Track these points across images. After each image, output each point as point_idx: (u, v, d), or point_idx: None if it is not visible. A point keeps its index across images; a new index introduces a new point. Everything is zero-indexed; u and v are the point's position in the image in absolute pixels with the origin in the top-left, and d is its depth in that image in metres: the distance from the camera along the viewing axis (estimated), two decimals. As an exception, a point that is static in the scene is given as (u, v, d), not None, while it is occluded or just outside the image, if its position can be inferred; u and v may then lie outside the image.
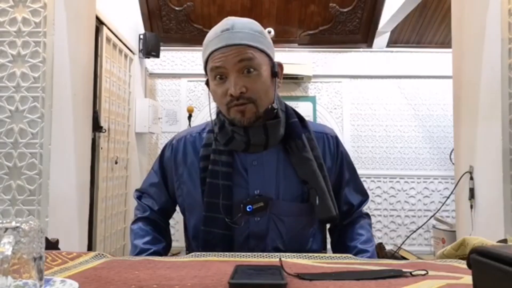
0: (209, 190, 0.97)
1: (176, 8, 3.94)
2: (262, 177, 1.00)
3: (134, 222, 1.12)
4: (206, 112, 4.21)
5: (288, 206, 0.99)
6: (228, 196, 0.97)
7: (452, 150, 3.03)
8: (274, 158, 1.01)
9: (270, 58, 0.98)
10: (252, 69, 0.93)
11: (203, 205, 0.98)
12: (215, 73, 0.94)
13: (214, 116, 1.05)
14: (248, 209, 0.96)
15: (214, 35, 0.95)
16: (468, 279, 0.61)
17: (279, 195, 0.99)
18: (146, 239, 1.06)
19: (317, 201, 0.96)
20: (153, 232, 1.09)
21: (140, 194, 1.16)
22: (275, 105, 0.97)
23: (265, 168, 1.00)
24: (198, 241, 1.02)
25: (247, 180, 0.99)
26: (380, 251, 3.22)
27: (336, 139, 1.11)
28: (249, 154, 1.00)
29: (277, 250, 0.98)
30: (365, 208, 1.16)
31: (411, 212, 4.13)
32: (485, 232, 1.77)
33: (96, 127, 2.75)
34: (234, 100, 0.92)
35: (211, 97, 1.01)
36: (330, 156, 1.07)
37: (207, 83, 1.02)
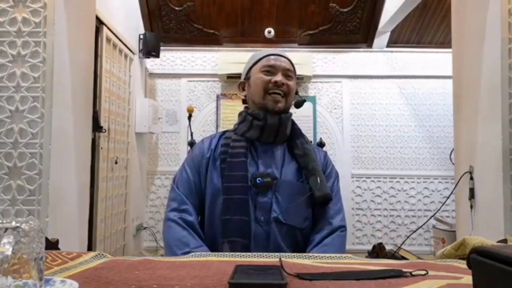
0: (229, 166, 1.18)
1: (176, 8, 3.94)
2: (270, 162, 1.22)
3: (170, 220, 1.20)
4: (206, 112, 4.21)
5: (289, 185, 1.20)
6: (243, 169, 1.18)
7: (452, 150, 3.03)
8: (281, 151, 1.25)
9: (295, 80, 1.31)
10: (290, 77, 1.26)
11: (223, 178, 1.18)
12: (267, 68, 1.24)
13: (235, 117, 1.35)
14: (258, 181, 1.16)
15: (268, 50, 1.31)
16: (468, 279, 0.61)
17: (282, 176, 1.20)
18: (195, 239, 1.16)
19: (318, 181, 1.16)
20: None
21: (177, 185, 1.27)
22: (298, 97, 1.35)
23: (273, 156, 1.24)
24: (216, 212, 1.18)
25: (257, 163, 1.22)
26: (380, 251, 3.22)
27: (325, 154, 1.33)
28: (261, 144, 1.24)
29: (278, 221, 1.15)
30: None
31: (411, 212, 4.13)
32: (485, 232, 1.76)
33: (96, 127, 2.75)
34: (275, 87, 1.21)
35: (251, 89, 1.27)
36: (320, 164, 1.25)
37: (240, 83, 1.33)
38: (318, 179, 1.17)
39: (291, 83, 1.25)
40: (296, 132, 1.28)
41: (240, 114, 1.31)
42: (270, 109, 1.21)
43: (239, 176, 1.16)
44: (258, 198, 1.17)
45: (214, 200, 1.19)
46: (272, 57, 1.26)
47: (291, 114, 1.28)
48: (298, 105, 1.35)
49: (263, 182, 1.16)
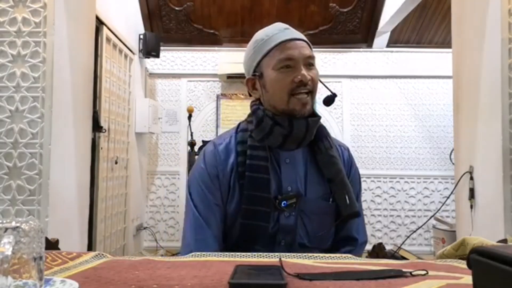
0: (249, 183, 0.99)
1: (176, 8, 3.94)
2: (293, 175, 1.03)
3: None
4: (206, 112, 4.21)
5: (315, 204, 1.03)
6: (267, 189, 0.98)
7: (452, 150, 3.03)
8: (303, 158, 1.05)
9: None
10: (312, 65, 1.02)
11: (243, 198, 0.99)
12: (285, 63, 0.98)
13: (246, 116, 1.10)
14: (283, 205, 0.98)
15: (277, 31, 1.02)
16: (468, 279, 0.61)
17: (307, 193, 1.03)
18: None
19: (347, 199, 0.99)
20: None
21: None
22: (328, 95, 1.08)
23: (296, 166, 1.04)
24: (234, 233, 1.02)
25: (280, 176, 1.02)
26: (380, 251, 3.22)
27: (348, 151, 1.17)
28: (282, 152, 1.04)
29: (303, 246, 1.02)
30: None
31: (411, 212, 4.13)
32: (485, 232, 1.76)
33: (96, 127, 2.75)
34: (301, 86, 0.98)
35: (267, 91, 1.02)
36: (343, 164, 1.10)
37: (248, 80, 1.06)
38: (347, 197, 0.99)
39: (314, 73, 1.01)
40: (319, 133, 1.06)
41: (254, 111, 1.05)
42: (299, 115, 0.99)
43: (261, 198, 0.98)
44: (280, 221, 1.00)
45: (233, 220, 1.02)
46: (287, 44, 0.99)
47: (319, 118, 1.06)
48: (329, 102, 1.08)
49: (288, 204, 0.99)
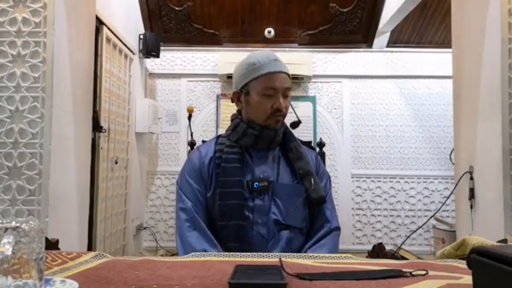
0: (223, 172, 1.19)
1: (176, 8, 3.94)
2: (265, 167, 1.24)
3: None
4: (206, 112, 4.21)
5: (287, 188, 1.23)
6: (239, 174, 1.19)
7: (452, 150, 3.03)
8: (275, 155, 1.28)
9: None
10: (287, 96, 1.25)
11: (218, 184, 1.19)
12: (268, 92, 1.21)
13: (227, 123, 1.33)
14: (255, 186, 1.18)
15: (267, 60, 1.23)
16: (468, 279, 0.61)
17: (278, 180, 1.23)
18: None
19: (313, 183, 1.19)
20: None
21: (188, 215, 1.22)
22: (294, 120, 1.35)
23: (268, 161, 1.26)
24: (213, 215, 1.19)
25: (253, 167, 1.23)
26: (380, 251, 3.22)
27: (316, 155, 1.37)
28: (255, 151, 1.25)
29: (278, 223, 1.18)
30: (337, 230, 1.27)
31: (411, 212, 4.13)
32: (485, 232, 1.77)
33: (96, 127, 2.75)
34: (278, 112, 1.21)
35: (250, 107, 1.24)
36: (313, 165, 1.28)
37: (235, 93, 1.28)
38: (313, 180, 1.20)
39: (288, 101, 1.26)
40: (288, 136, 1.30)
41: (233, 119, 1.30)
42: (272, 128, 1.24)
43: (234, 182, 1.17)
44: (255, 202, 1.18)
45: (213, 204, 1.20)
46: (273, 76, 1.21)
47: (284, 126, 1.29)
48: (294, 126, 1.34)
49: (260, 186, 1.18)
